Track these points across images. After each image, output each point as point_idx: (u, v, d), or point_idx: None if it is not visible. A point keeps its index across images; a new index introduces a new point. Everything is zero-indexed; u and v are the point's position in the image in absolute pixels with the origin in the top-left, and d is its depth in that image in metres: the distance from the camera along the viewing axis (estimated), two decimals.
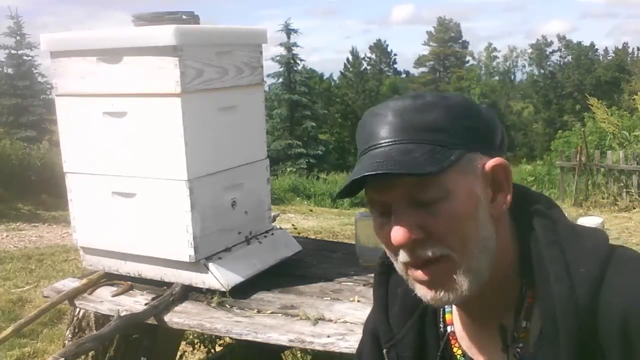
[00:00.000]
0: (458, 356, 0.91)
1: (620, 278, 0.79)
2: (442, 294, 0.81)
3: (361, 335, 1.09)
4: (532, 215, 0.86)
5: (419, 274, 0.82)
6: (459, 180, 0.80)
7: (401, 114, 0.82)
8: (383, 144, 0.82)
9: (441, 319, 0.94)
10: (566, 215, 0.89)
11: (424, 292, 0.83)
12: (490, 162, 0.82)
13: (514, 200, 0.84)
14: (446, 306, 0.93)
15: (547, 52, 45.31)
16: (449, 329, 0.93)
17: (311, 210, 11.17)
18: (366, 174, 0.78)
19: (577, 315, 0.78)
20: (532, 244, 0.84)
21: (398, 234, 0.79)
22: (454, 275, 0.80)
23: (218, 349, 3.01)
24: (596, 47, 45.68)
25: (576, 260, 0.81)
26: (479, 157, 0.82)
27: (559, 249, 0.82)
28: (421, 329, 0.94)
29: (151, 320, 2.06)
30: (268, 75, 25.11)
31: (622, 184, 10.21)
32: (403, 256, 0.82)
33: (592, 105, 12.86)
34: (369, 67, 46.35)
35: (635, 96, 13.48)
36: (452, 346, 0.92)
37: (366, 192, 0.84)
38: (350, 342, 1.76)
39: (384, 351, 0.97)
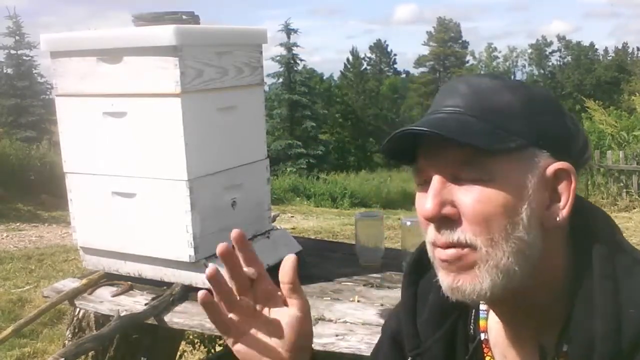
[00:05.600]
0: None
1: None
2: (460, 283, 0.75)
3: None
4: (592, 237, 0.78)
5: (441, 253, 0.76)
6: (510, 170, 0.74)
7: (475, 88, 0.78)
8: (445, 111, 0.78)
9: (472, 322, 0.88)
10: None
11: (443, 278, 0.77)
12: (555, 165, 0.76)
13: (574, 213, 0.78)
14: (481, 311, 0.88)
15: (547, 52, 45.33)
16: (482, 335, 0.87)
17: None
18: (414, 128, 0.74)
19: (616, 358, 0.71)
20: (585, 270, 0.76)
21: (428, 206, 0.74)
22: (476, 268, 0.74)
23: (218, 349, 3.01)
24: (596, 47, 45.75)
25: (630, 299, 0.73)
26: (545, 156, 0.76)
27: (613, 284, 0.74)
28: (451, 340, 0.88)
29: (151, 320, 2.05)
30: (268, 75, 25.13)
31: (622, 184, 10.23)
32: (430, 233, 0.77)
33: (589, 108, 12.90)
34: (369, 67, 46.36)
35: (633, 97, 13.50)
36: (485, 355, 0.86)
37: (417, 159, 0.80)
38: (351, 342, 1.76)
39: (409, 359, 0.90)
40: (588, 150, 0.82)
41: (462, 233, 0.74)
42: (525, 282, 0.75)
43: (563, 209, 0.77)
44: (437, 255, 0.77)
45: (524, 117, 0.75)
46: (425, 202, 0.75)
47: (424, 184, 0.78)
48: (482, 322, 0.87)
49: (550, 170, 0.76)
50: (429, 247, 0.79)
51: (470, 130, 0.74)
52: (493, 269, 0.74)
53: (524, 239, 0.74)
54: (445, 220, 0.75)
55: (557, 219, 0.76)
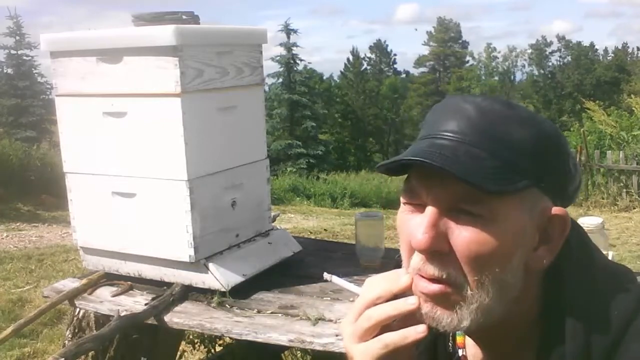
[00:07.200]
0: None
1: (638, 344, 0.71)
2: (438, 314, 0.74)
3: None
4: (565, 254, 0.76)
5: (425, 287, 0.74)
6: (512, 212, 0.71)
7: (486, 114, 0.73)
8: (449, 137, 0.72)
9: (450, 339, 0.88)
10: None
11: (422, 304, 0.74)
12: (554, 210, 0.73)
13: None
14: None
15: (547, 52, 45.30)
16: (460, 352, 0.86)
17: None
18: (426, 160, 0.69)
19: None
20: (556, 290, 0.76)
21: (423, 238, 0.71)
22: (457, 307, 0.72)
23: (218, 349, 3.01)
24: (596, 47, 45.74)
25: (599, 319, 0.73)
26: (544, 198, 0.73)
27: (583, 301, 0.74)
28: (433, 357, 0.88)
29: (151, 320, 2.05)
30: (268, 75, 25.15)
31: (622, 184, 10.23)
32: (416, 261, 0.74)
33: (589, 109, 12.92)
34: (369, 67, 46.34)
35: (629, 98, 13.52)
36: None
37: (408, 176, 0.76)
38: None
39: None
40: (579, 190, 0.80)
41: (452, 272, 0.72)
42: (502, 317, 0.75)
43: (550, 254, 0.75)
44: (420, 286, 0.74)
45: (532, 156, 0.72)
46: (418, 232, 0.72)
47: (415, 206, 0.75)
48: (459, 338, 0.87)
49: (547, 213, 0.74)
50: (412, 273, 0.76)
51: (480, 169, 0.70)
52: (475, 310, 0.72)
53: (509, 281, 0.73)
54: (436, 254, 0.72)
55: (544, 261, 0.75)
